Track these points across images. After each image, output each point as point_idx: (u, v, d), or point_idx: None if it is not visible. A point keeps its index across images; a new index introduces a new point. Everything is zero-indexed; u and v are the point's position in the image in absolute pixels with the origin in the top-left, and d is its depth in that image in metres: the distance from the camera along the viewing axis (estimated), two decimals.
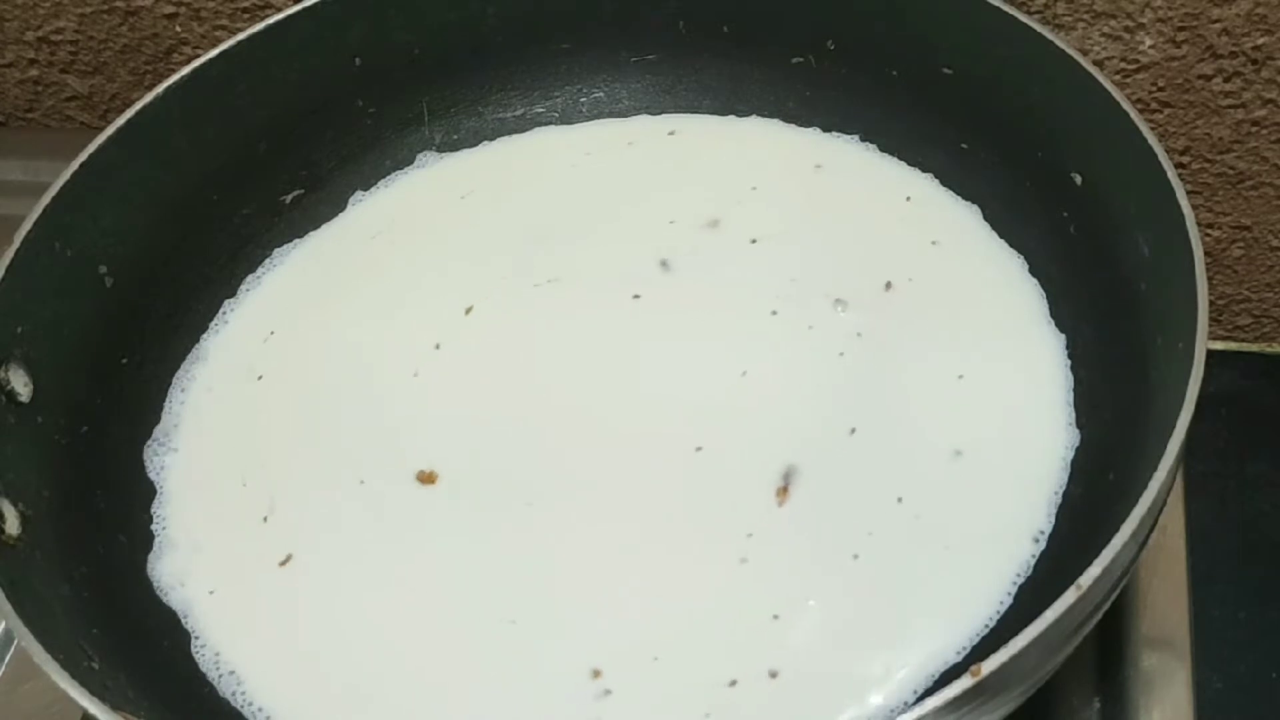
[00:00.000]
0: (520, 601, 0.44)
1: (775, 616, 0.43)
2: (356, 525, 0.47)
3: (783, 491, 0.46)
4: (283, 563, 0.46)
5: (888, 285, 0.51)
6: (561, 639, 0.44)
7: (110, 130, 0.51)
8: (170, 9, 0.64)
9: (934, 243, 0.53)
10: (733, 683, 0.42)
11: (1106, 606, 0.39)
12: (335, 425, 0.50)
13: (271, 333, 0.53)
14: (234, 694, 0.44)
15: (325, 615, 0.45)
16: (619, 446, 0.48)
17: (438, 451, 0.48)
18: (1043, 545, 0.44)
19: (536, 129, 0.60)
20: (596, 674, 0.42)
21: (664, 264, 0.53)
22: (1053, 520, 0.45)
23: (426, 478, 0.48)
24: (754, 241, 0.53)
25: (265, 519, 0.48)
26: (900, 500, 0.45)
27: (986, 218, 0.53)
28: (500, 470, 0.48)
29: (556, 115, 0.60)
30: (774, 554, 0.45)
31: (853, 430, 0.47)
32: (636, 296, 0.52)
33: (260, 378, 0.52)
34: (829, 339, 0.50)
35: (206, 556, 0.47)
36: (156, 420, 0.51)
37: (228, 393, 0.52)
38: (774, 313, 0.51)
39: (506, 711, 0.42)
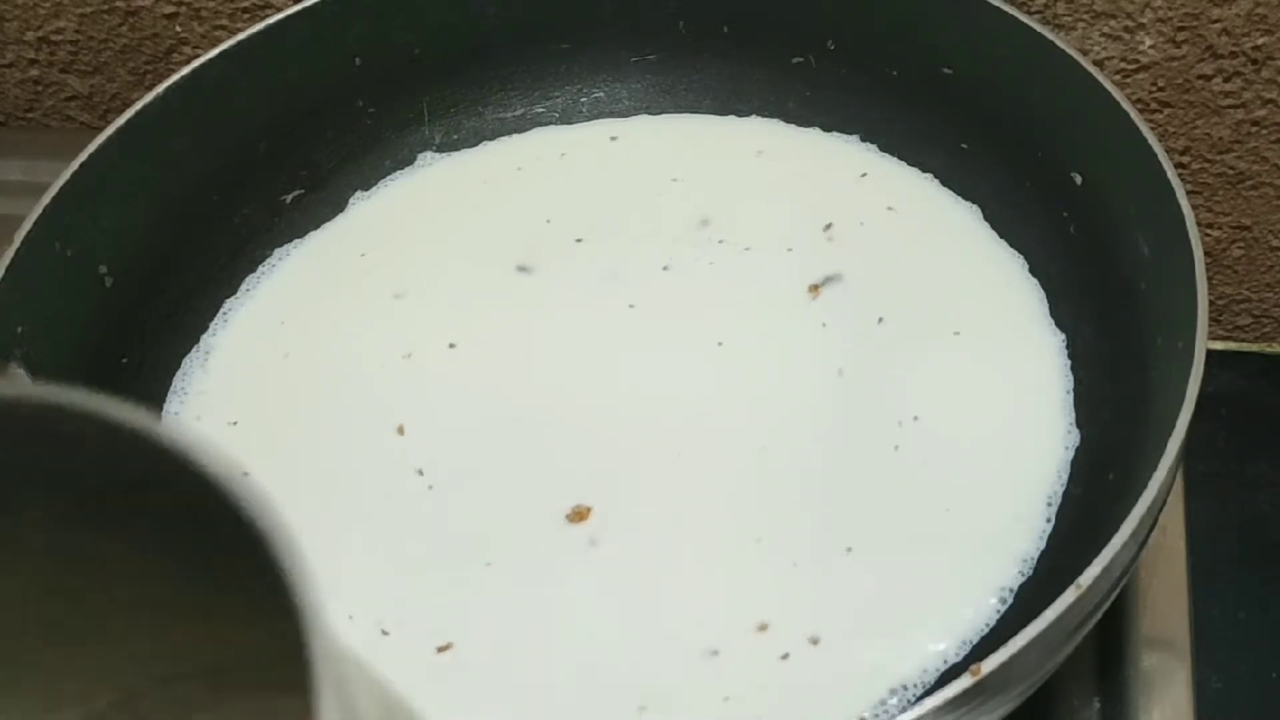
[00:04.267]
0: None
1: (762, 626, 0.43)
2: (361, 513, 0.47)
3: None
4: None
5: (886, 285, 0.52)
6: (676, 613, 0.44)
7: (110, 130, 0.51)
8: (170, 9, 0.64)
9: (892, 212, 0.53)
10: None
11: (1106, 606, 0.39)
12: (331, 411, 0.50)
13: (272, 334, 0.53)
14: None
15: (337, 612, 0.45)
16: (682, 431, 0.48)
17: (433, 450, 0.49)
18: (1042, 545, 0.44)
19: (536, 129, 0.60)
20: (715, 653, 0.43)
21: (665, 267, 0.53)
22: (1053, 520, 0.45)
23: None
24: (748, 246, 0.54)
25: None
26: (899, 500, 0.45)
27: (986, 218, 0.53)
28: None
29: (556, 115, 0.60)
30: (769, 549, 0.45)
31: (852, 429, 0.48)
32: (640, 290, 0.52)
33: (262, 378, 0.52)
34: (826, 343, 0.50)
35: None
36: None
37: (228, 394, 0.52)
38: (795, 316, 0.51)
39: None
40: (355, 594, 0.45)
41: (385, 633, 0.45)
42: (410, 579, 0.45)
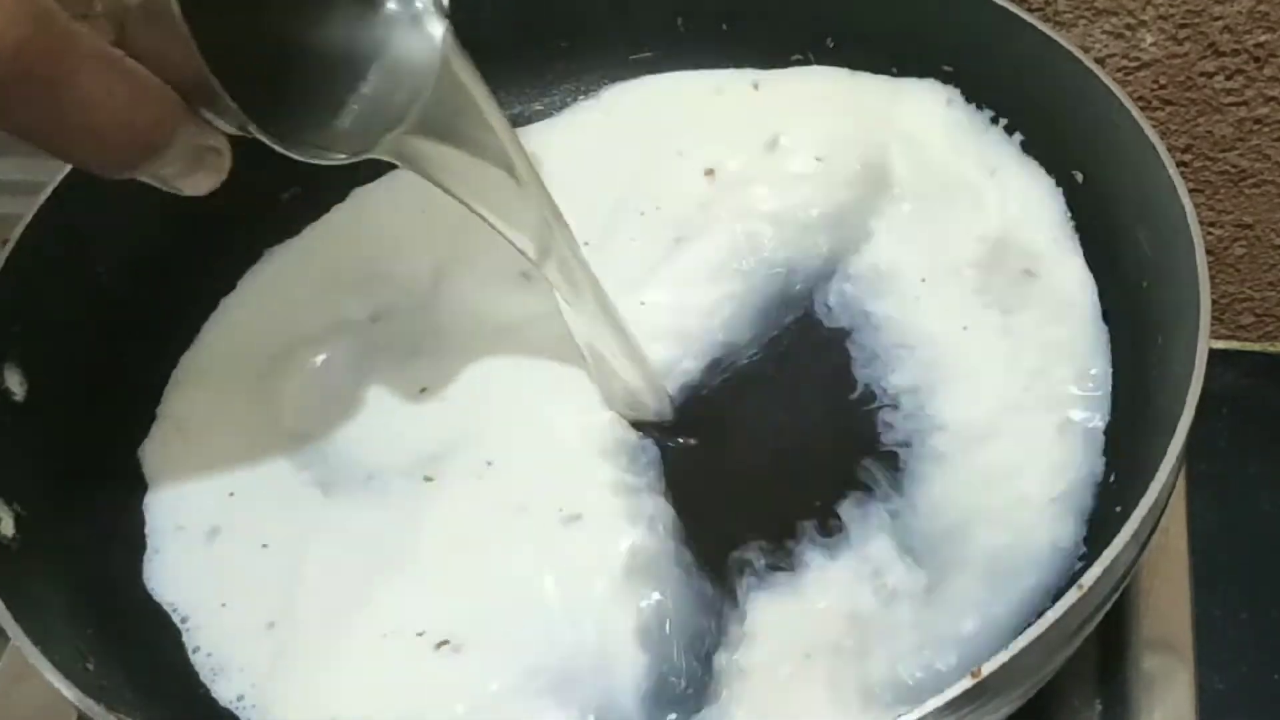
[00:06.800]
0: None
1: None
2: (358, 519, 0.47)
3: None
4: (283, 563, 0.46)
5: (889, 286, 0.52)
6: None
7: None
8: None
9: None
10: None
11: (1108, 607, 0.39)
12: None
13: (269, 330, 0.53)
14: (230, 696, 0.44)
15: (325, 612, 0.45)
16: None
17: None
18: None
19: (534, 125, 0.59)
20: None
21: (677, 240, 0.53)
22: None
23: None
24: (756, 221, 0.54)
25: (265, 517, 0.48)
26: (899, 498, 0.45)
27: None
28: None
29: (556, 113, 0.60)
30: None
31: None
32: (641, 287, 0.52)
33: (259, 376, 0.52)
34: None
35: (203, 558, 0.47)
36: (153, 419, 0.51)
37: (225, 391, 0.52)
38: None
39: None
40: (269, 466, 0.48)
41: (265, 517, 0.47)
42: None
